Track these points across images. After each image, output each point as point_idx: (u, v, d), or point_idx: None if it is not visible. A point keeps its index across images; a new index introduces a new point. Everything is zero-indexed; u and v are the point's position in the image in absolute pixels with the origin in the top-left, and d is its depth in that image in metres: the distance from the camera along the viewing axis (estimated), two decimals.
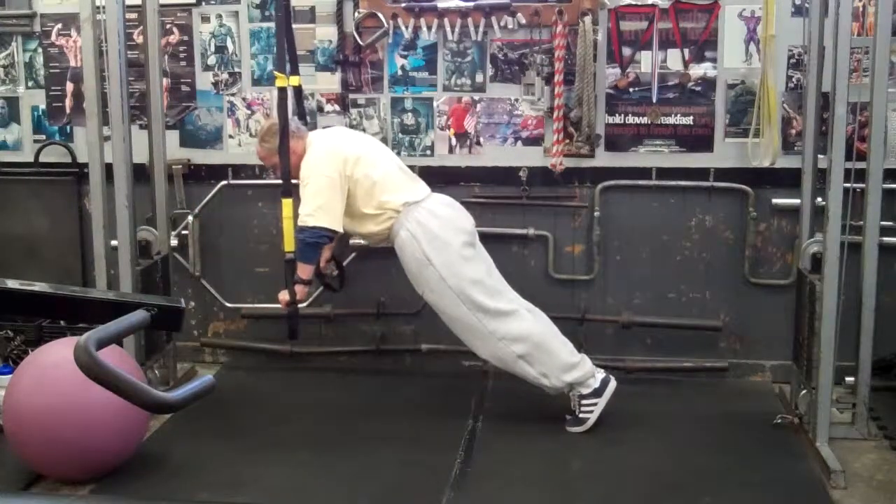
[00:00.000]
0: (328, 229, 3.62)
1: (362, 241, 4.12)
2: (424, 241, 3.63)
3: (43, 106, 4.62)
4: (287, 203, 3.66)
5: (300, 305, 3.78)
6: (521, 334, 3.64)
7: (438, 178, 4.35)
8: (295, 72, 3.86)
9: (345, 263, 4.18)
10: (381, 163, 3.76)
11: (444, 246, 3.63)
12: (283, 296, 3.71)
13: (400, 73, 4.35)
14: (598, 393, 3.70)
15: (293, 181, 3.70)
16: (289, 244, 3.66)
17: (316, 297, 4.42)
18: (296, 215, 3.64)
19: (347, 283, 4.10)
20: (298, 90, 3.97)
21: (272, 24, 4.21)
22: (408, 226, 3.65)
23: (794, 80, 4.12)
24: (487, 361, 3.83)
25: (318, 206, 3.61)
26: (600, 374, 3.73)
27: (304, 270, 3.67)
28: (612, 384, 3.73)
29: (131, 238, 3.86)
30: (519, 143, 4.33)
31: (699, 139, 4.23)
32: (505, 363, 3.70)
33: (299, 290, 3.69)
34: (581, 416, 3.71)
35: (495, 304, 3.64)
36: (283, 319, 3.78)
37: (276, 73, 3.76)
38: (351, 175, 3.66)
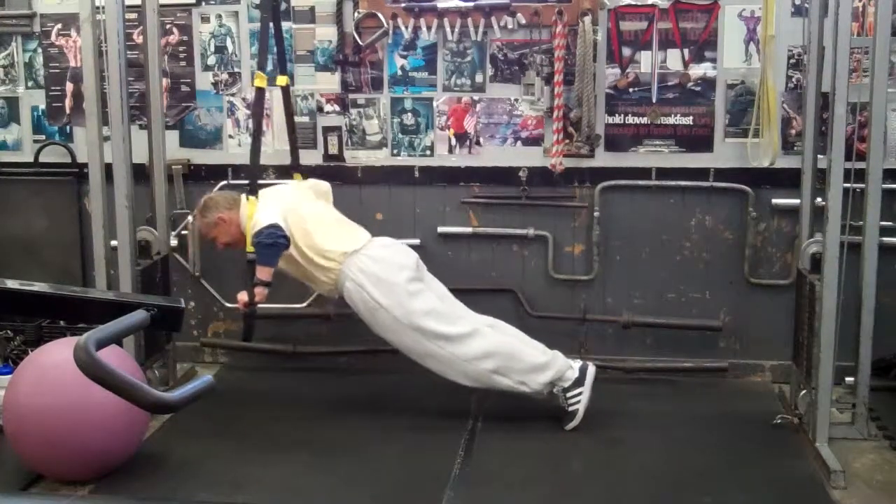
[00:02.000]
0: (281, 226, 3.63)
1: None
2: (370, 287, 3.68)
3: (43, 106, 4.62)
4: (252, 202, 3.76)
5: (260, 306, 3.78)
6: (488, 350, 3.67)
7: (438, 178, 4.37)
8: (283, 71, 4.11)
9: None
10: (317, 214, 3.84)
11: (390, 287, 3.67)
12: (242, 297, 3.73)
13: (400, 73, 4.35)
14: (579, 382, 3.71)
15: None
16: (251, 245, 3.69)
17: (316, 297, 4.42)
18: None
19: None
20: (286, 90, 4.13)
21: (271, 25, 4.21)
22: (351, 276, 3.70)
23: (793, 80, 4.12)
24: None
25: (266, 213, 3.68)
26: (577, 364, 3.75)
27: (263, 272, 3.67)
28: (592, 369, 3.75)
29: (131, 238, 3.87)
30: (519, 143, 4.33)
31: (699, 139, 4.23)
32: (481, 382, 3.73)
33: (258, 291, 3.69)
34: (570, 409, 3.72)
35: (454, 329, 3.68)
36: (243, 319, 3.82)
37: (257, 72, 3.88)
38: (288, 223, 3.70)
